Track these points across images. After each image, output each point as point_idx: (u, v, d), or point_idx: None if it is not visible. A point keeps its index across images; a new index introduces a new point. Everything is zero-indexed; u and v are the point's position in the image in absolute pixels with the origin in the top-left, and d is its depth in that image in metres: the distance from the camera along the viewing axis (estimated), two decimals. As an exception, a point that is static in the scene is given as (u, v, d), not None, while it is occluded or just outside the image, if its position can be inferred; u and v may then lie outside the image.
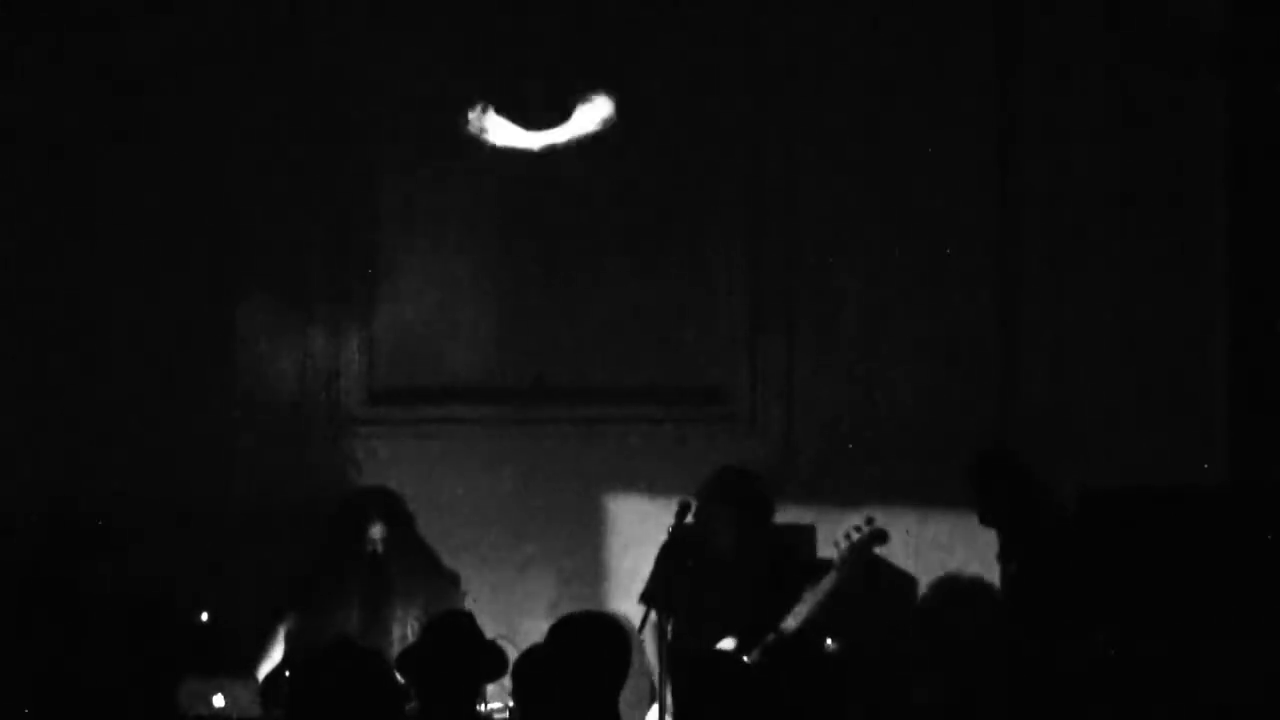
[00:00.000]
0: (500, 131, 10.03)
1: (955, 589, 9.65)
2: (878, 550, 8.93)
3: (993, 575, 9.56)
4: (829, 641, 8.61)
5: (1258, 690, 8.10)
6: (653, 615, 8.60)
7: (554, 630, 6.79)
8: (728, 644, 8.69)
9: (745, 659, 8.16)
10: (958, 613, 9.63)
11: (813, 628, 8.63)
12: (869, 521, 8.83)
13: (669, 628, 8.44)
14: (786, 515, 9.40)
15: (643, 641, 8.76)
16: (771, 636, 8.55)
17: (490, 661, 6.87)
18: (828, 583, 8.73)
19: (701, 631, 8.72)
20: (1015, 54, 9.89)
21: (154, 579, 9.24)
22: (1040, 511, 8.76)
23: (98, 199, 9.84)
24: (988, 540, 9.29)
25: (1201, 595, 8.25)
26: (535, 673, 6.55)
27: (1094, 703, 8.13)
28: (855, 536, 8.80)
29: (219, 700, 8.16)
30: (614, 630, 6.97)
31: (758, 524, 8.97)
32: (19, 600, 8.69)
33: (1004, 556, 8.89)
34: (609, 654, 6.75)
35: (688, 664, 6.70)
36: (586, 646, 6.73)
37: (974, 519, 9.05)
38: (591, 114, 10.02)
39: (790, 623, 8.65)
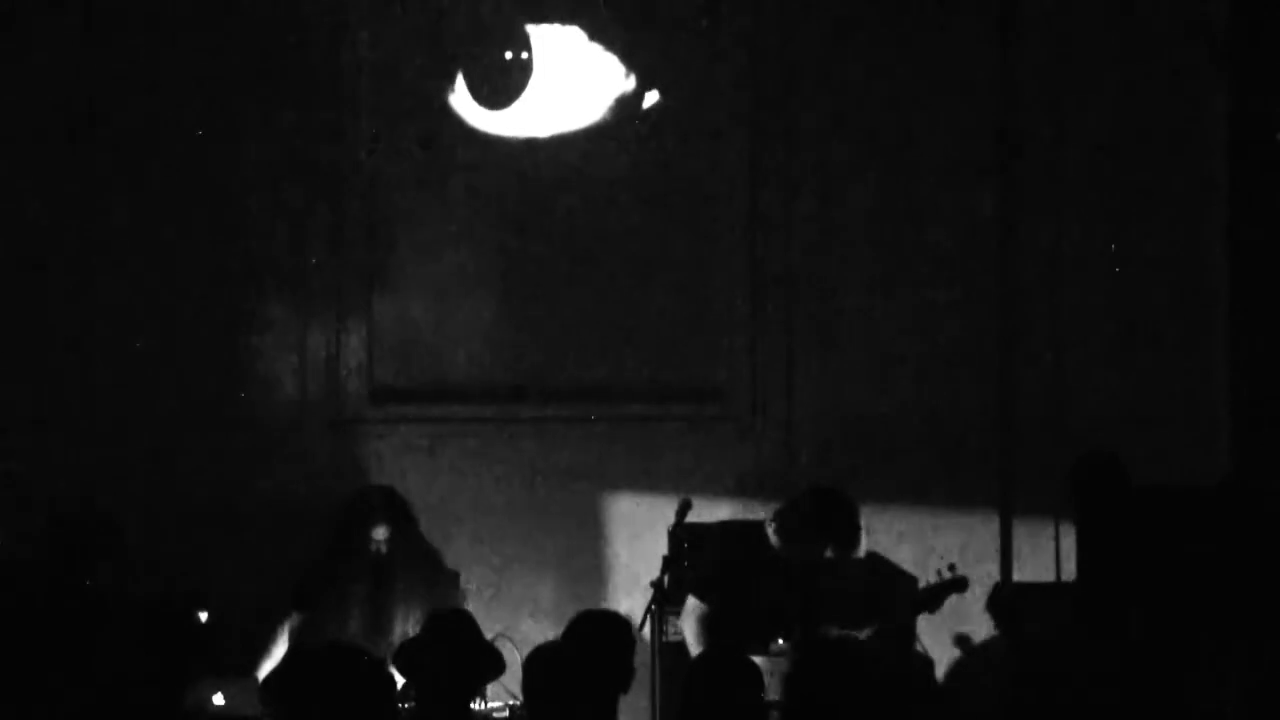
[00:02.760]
0: (500, 129, 10.04)
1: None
2: (880, 549, 8.93)
3: (994, 572, 9.62)
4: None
5: (1258, 691, 8.10)
6: (658, 611, 8.62)
7: (569, 627, 6.80)
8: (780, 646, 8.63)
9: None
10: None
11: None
12: (951, 568, 8.70)
13: (664, 623, 8.46)
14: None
15: (643, 634, 8.75)
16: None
17: (488, 661, 6.87)
18: (900, 617, 8.67)
19: (754, 631, 8.64)
20: (1016, 54, 9.90)
21: (154, 578, 9.25)
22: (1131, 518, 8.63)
23: (99, 199, 9.85)
24: (988, 538, 9.31)
25: (1202, 596, 8.24)
26: (545, 668, 6.54)
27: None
28: (934, 581, 8.70)
29: (219, 699, 8.16)
30: (623, 630, 6.98)
31: (844, 549, 8.81)
32: (22, 601, 8.69)
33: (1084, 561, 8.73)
34: (616, 653, 6.76)
35: (702, 661, 6.70)
36: (595, 643, 6.73)
37: (973, 517, 9.06)
38: (592, 112, 10.05)
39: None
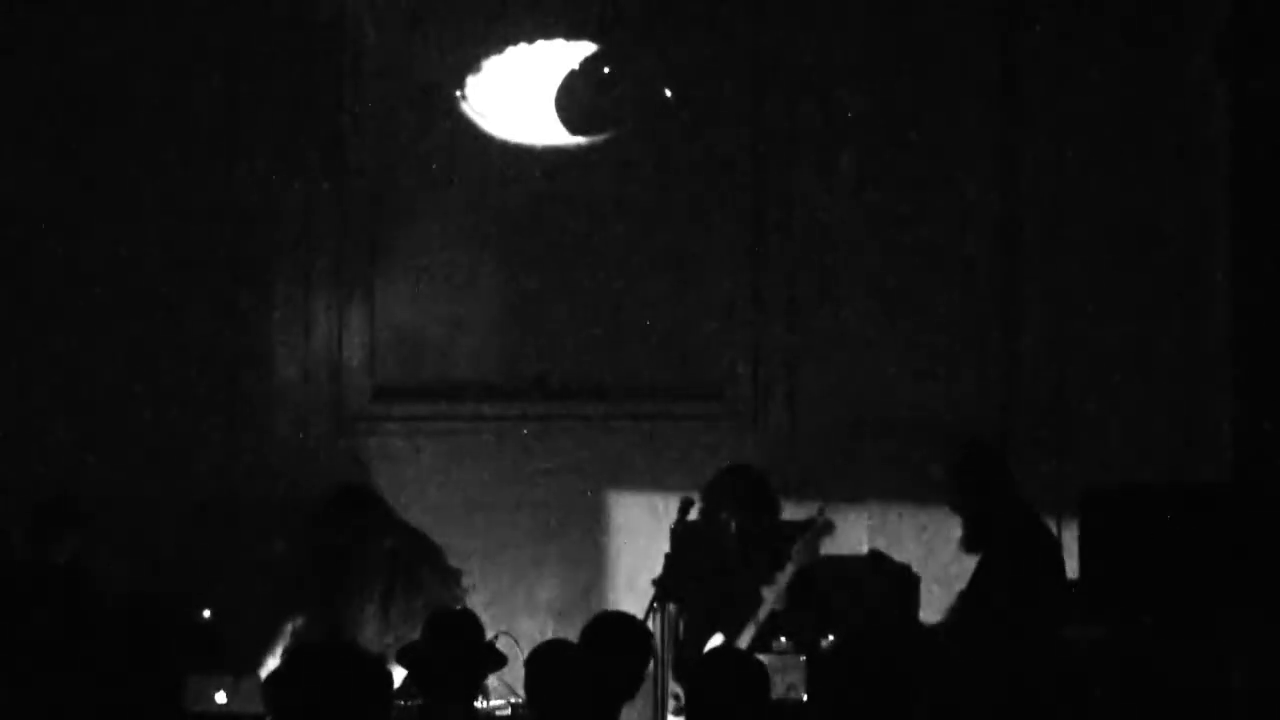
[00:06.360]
0: (504, 130, 10.06)
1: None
2: (881, 546, 8.96)
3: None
4: (829, 638, 8.61)
5: (1258, 689, 8.12)
6: (660, 608, 8.65)
7: (587, 628, 6.81)
8: (717, 639, 8.70)
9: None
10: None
11: (790, 608, 8.64)
12: (820, 511, 8.84)
13: (673, 620, 8.50)
14: (788, 512, 9.41)
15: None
16: (752, 626, 8.60)
17: (489, 658, 6.89)
18: (790, 566, 8.76)
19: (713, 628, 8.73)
20: (1018, 53, 9.92)
21: (157, 576, 9.27)
22: (1012, 505, 8.69)
23: (101, 196, 9.86)
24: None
25: (1202, 595, 8.26)
26: (552, 667, 6.55)
27: (1070, 700, 8.14)
28: (807, 532, 8.84)
29: (221, 697, 8.17)
30: (641, 638, 6.99)
31: (762, 519, 8.96)
32: (21, 597, 8.71)
33: (968, 546, 8.82)
34: (631, 659, 6.78)
35: (699, 660, 6.71)
36: (612, 648, 6.75)
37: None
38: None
39: (765, 609, 8.65)
